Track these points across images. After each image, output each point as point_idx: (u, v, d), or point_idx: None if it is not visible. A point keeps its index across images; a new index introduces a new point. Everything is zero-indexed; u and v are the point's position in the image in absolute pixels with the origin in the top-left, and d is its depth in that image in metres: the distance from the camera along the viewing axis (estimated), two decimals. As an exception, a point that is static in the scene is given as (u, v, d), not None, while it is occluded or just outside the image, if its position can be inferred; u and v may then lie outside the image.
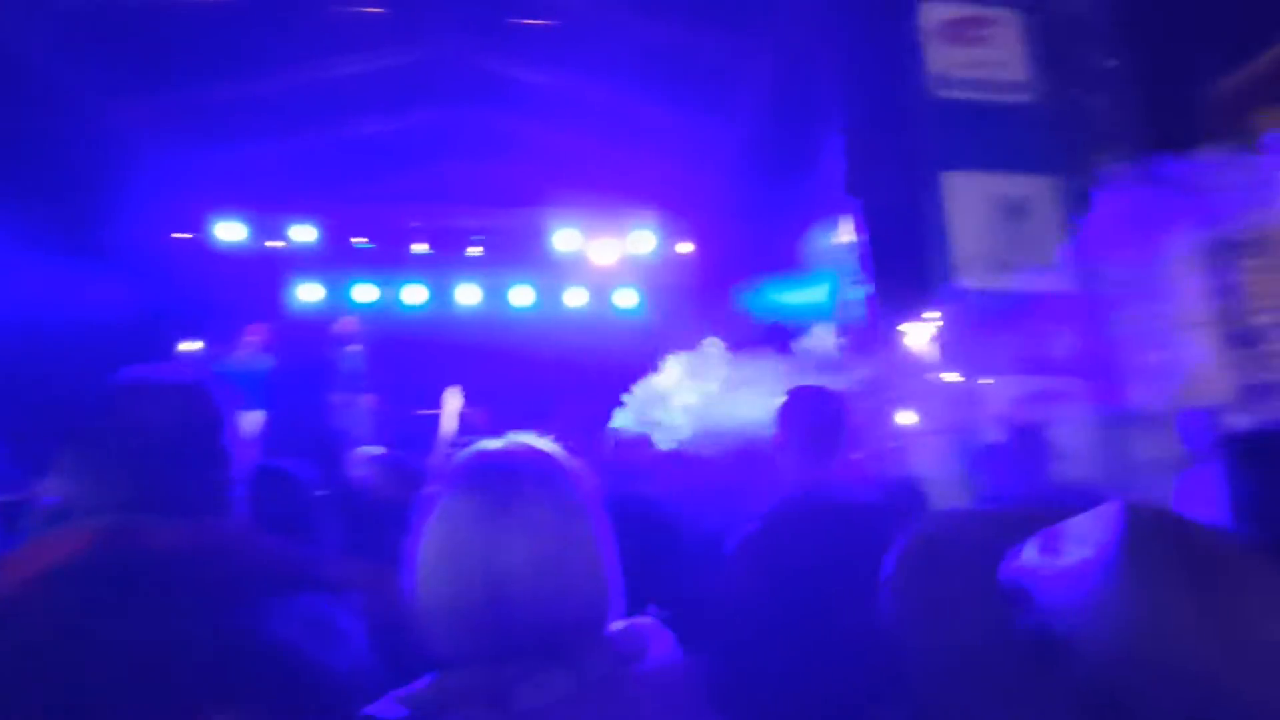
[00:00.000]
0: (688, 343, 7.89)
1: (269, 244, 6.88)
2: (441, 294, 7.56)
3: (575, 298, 7.87)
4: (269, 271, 7.06)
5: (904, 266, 4.70)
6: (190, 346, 5.16)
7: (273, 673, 0.64)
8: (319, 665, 0.67)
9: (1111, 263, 4.13)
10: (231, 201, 6.66)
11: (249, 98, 6.29)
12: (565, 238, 7.30)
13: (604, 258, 7.48)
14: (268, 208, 6.76)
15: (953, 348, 5.40)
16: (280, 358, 5.14)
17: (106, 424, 0.76)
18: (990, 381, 4.39)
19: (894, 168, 4.50)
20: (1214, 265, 3.79)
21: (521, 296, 7.71)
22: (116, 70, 5.50)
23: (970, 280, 4.43)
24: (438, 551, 0.70)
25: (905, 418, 6.08)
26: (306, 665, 0.66)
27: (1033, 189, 4.33)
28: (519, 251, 7.46)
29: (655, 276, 7.84)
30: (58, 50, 5.16)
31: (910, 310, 5.26)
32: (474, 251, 7.42)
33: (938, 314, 5.37)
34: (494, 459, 0.75)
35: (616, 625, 0.74)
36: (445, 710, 0.63)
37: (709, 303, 7.98)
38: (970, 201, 4.36)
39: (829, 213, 6.09)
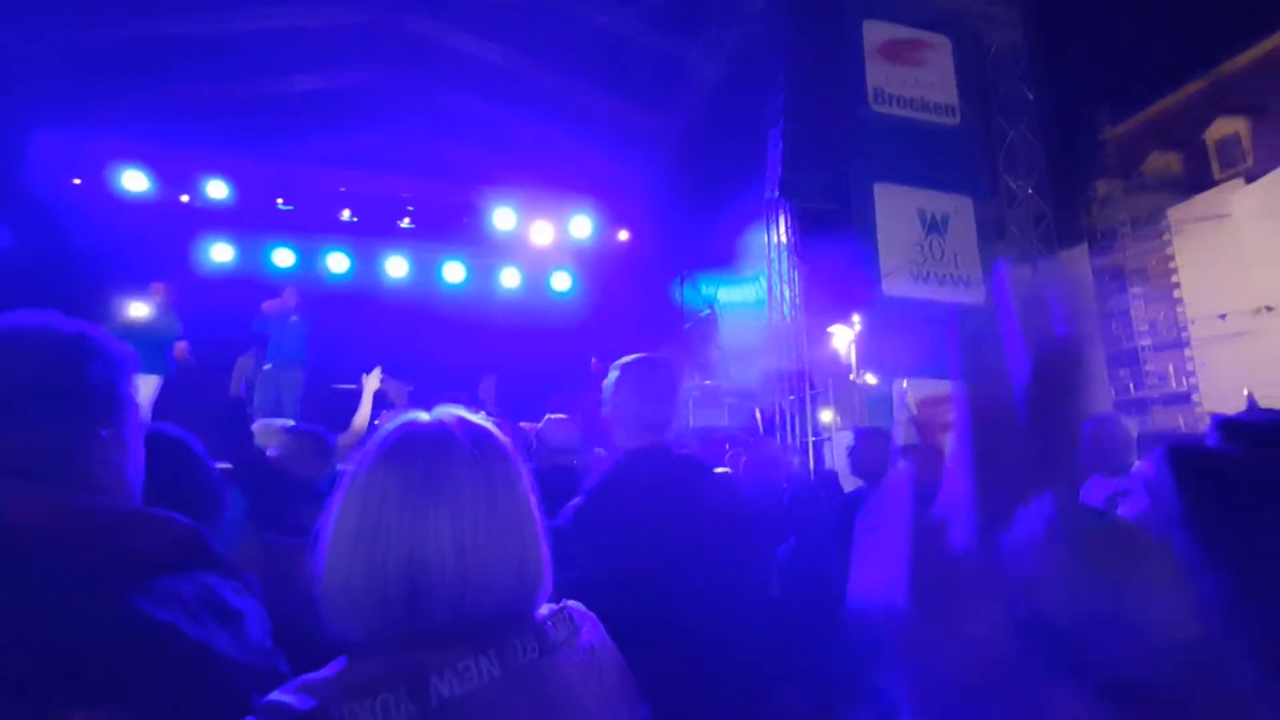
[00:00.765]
0: (619, 327, 7.92)
1: (181, 198, 6.39)
2: (367, 264, 7.26)
3: (510, 278, 7.73)
4: (178, 227, 6.56)
5: (832, 269, 4.88)
6: (88, 300, 4.72)
7: (147, 659, 0.57)
8: (203, 649, 0.60)
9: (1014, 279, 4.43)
10: (140, 151, 6.14)
11: (169, 40, 5.80)
12: (502, 216, 7.15)
13: (541, 239, 7.37)
14: (179, 160, 6.27)
15: (873, 350, 5.65)
16: (187, 318, 4.81)
17: None
18: (904, 383, 4.63)
19: (828, 174, 4.66)
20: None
21: (453, 273, 7.51)
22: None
23: (895, 287, 4.66)
24: (354, 529, 0.64)
25: (825, 414, 6.33)
26: (188, 649, 0.59)
27: (953, 206, 4.58)
28: (453, 227, 7.25)
29: (591, 262, 7.80)
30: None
31: (835, 312, 5.48)
32: (405, 224, 7.16)
33: (859, 317, 5.61)
34: (421, 431, 0.70)
35: (545, 609, 0.71)
36: (356, 698, 0.58)
37: (642, 291, 8.02)
38: (897, 213, 4.56)
39: (764, 212, 6.23)
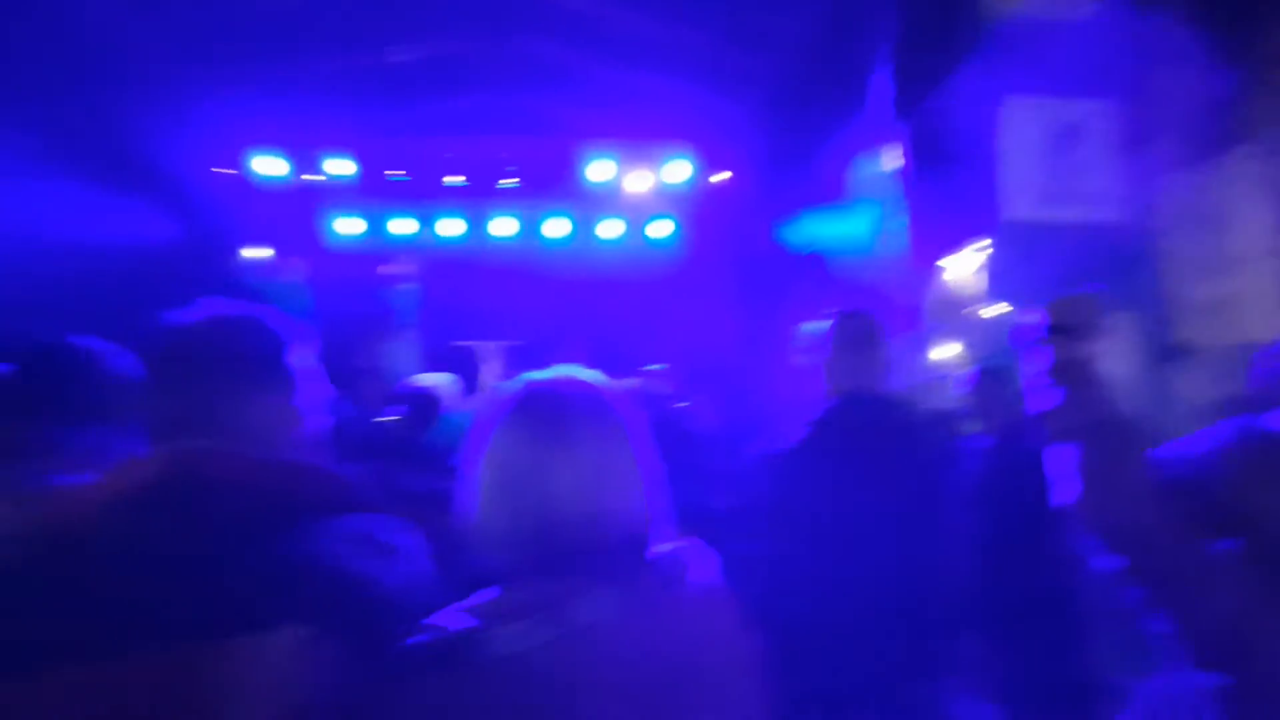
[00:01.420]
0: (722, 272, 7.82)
1: (306, 178, 6.93)
2: (478, 226, 7.58)
3: (610, 229, 7.80)
4: (307, 205, 7.16)
5: (951, 195, 4.50)
6: (236, 278, 5.33)
7: (322, 588, 0.68)
8: (368, 579, 0.71)
9: (1168, 193, 3.89)
10: (269, 136, 6.69)
11: (281, 26, 6.20)
12: (600, 168, 7.18)
13: (638, 187, 7.34)
14: (305, 142, 6.77)
15: (997, 280, 5.22)
16: (322, 291, 5.29)
17: (171, 353, 0.81)
18: (1035, 314, 4.25)
19: (945, 91, 4.24)
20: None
21: (556, 228, 7.69)
22: (152, 9, 5.47)
23: (1020, 210, 4.24)
24: (491, 476, 0.75)
25: (946, 351, 5.97)
26: (354, 580, 0.70)
27: (1088, 113, 4.05)
28: (554, 183, 7.38)
29: (691, 207, 7.69)
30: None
31: (956, 241, 5.08)
32: (508, 183, 7.36)
33: (984, 245, 5.17)
34: (541, 388, 0.79)
35: (662, 548, 0.78)
36: (508, 620, 0.67)
37: (747, 233, 7.83)
38: (1022, 126, 4.11)
39: (873, 140, 5.83)
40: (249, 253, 6.71)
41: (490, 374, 3.51)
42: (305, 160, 6.84)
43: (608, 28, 6.63)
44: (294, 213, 7.06)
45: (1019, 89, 4.02)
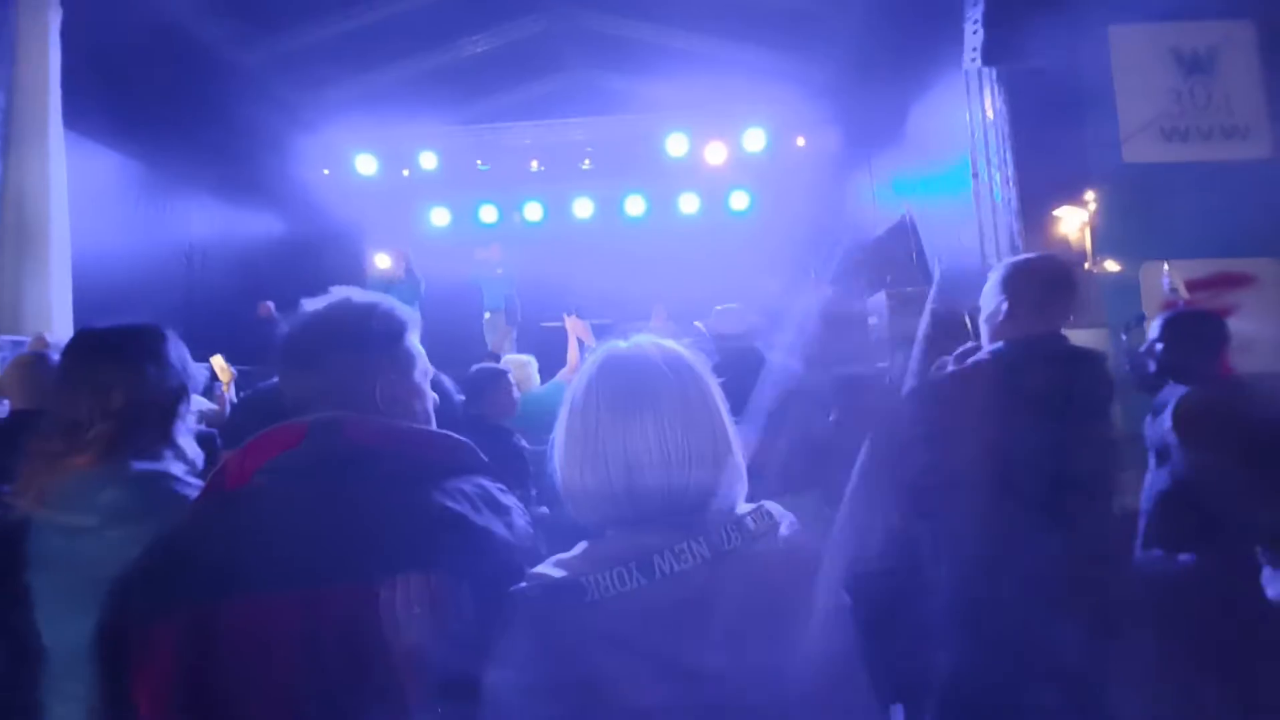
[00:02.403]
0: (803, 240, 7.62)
1: (402, 173, 7.32)
2: (559, 209, 7.75)
3: (688, 203, 7.77)
4: (405, 198, 7.58)
5: (1057, 141, 4.15)
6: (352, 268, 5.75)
7: (449, 539, 0.78)
8: (485, 532, 0.80)
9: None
10: (366, 138, 7.10)
11: (365, 31, 6.55)
12: (675, 142, 7.13)
13: (715, 159, 7.24)
14: (396, 139, 7.14)
15: (1114, 231, 4.78)
16: (421, 279, 5.60)
17: (308, 333, 0.91)
18: (1164, 266, 3.88)
19: (1043, 26, 3.88)
20: None
21: (635, 206, 7.74)
22: (250, 24, 5.94)
23: (1140, 152, 3.87)
24: (580, 437, 0.79)
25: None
26: (475, 532, 0.79)
27: (1223, 35, 3.59)
28: (630, 160, 7.40)
29: (769, 175, 7.51)
30: (212, 17, 5.64)
31: (1063, 192, 4.69)
32: (585, 165, 7.46)
33: (1096, 195, 4.75)
34: (622, 354, 0.83)
35: (746, 507, 0.81)
36: (597, 570, 0.72)
37: (828, 199, 7.57)
38: (1140, 58, 3.72)
39: (963, 86, 5.45)
40: (359, 245, 7.29)
41: (576, 350, 3.66)
42: (398, 158, 7.22)
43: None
44: (392, 206, 7.53)
45: (1129, 16, 3.63)
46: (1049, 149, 4.17)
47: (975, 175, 5.51)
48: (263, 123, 6.38)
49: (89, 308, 3.86)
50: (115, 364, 1.17)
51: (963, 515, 1.29)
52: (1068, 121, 4.07)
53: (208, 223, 6.29)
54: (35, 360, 2.24)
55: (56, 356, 2.17)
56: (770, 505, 0.82)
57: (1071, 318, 1.42)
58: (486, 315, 5.87)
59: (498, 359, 3.46)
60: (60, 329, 4.18)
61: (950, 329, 5.34)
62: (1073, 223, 5.54)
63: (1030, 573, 1.20)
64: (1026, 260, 1.55)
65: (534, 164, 7.40)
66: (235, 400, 3.41)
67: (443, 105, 7.28)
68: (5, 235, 4.68)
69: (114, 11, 4.93)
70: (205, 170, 5.92)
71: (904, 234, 6.92)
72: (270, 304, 5.30)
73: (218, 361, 3.48)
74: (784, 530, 0.80)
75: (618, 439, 0.77)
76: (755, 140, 7.12)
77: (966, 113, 5.37)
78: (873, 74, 6.28)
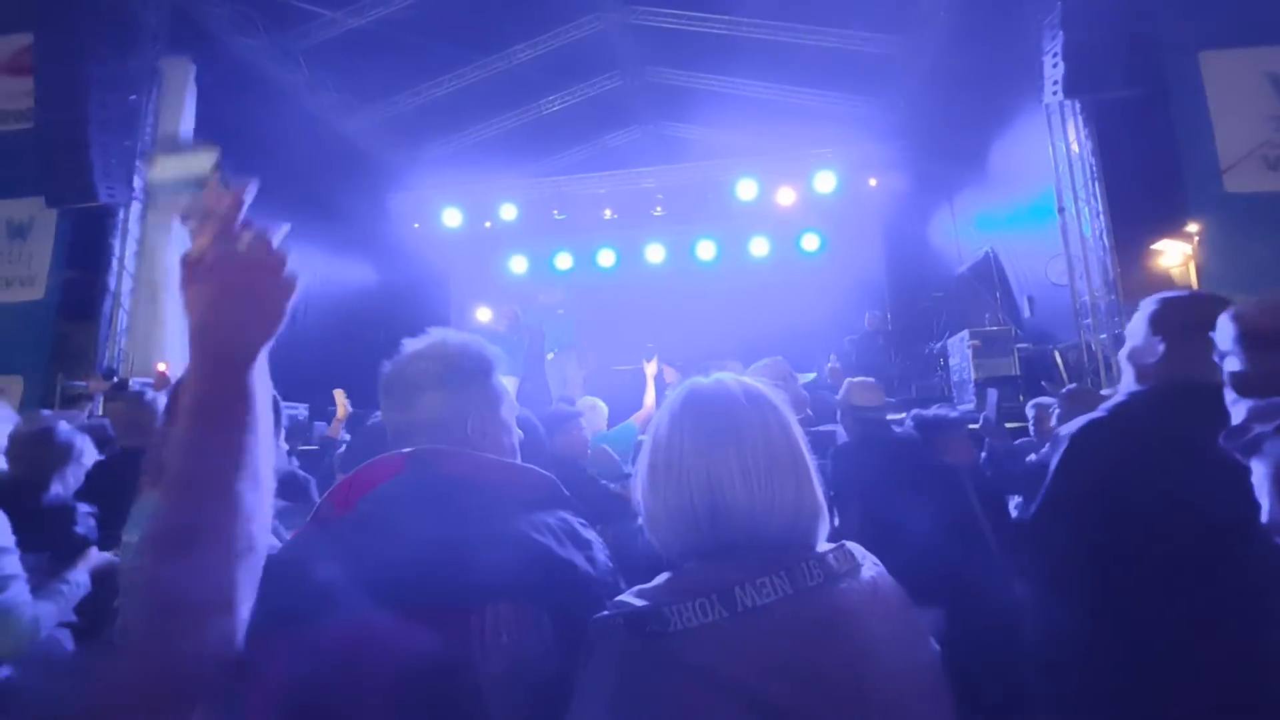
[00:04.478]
0: (879, 281, 7.45)
1: (485, 225, 7.75)
2: (631, 255, 7.95)
3: (759, 246, 7.80)
4: (486, 247, 8.01)
5: (1150, 172, 3.95)
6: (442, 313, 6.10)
7: (536, 570, 0.79)
8: (569, 564, 0.81)
9: None
10: (452, 191, 7.58)
11: (453, 97, 7.09)
12: (745, 187, 7.21)
13: (785, 202, 7.26)
14: (479, 194, 7.58)
15: (1219, 264, 4.44)
16: (525, 333, 5.83)
17: (406, 371, 0.96)
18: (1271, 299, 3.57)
19: (1126, 57, 3.73)
20: None
21: (706, 250, 7.84)
22: (352, 95, 6.57)
23: (1242, 182, 3.62)
24: (664, 468, 0.80)
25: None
26: (559, 564, 0.80)
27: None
28: (700, 206, 7.53)
29: (841, 216, 7.46)
30: (320, 90, 6.29)
31: (1160, 225, 4.41)
32: (657, 212, 7.64)
33: (1195, 226, 4.44)
34: (705, 388, 0.84)
35: (827, 545, 0.79)
36: (679, 600, 0.71)
37: (903, 239, 7.41)
38: (1236, 84, 3.53)
39: (1045, 120, 5.28)
40: (445, 291, 7.77)
41: (653, 393, 3.71)
42: (481, 209, 7.65)
43: (746, 46, 6.70)
44: (475, 255, 7.97)
45: (1220, 41, 3.44)
46: (1142, 180, 3.96)
47: (1061, 210, 5.29)
48: (361, 182, 6.99)
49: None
50: None
51: (1132, 573, 1.19)
52: (1160, 152, 3.87)
53: (312, 274, 6.91)
54: (135, 399, 2.39)
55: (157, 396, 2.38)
56: (852, 546, 0.81)
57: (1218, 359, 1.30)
58: (549, 356, 5.99)
59: (571, 402, 3.55)
60: (174, 369, 4.63)
61: (1041, 368, 5.08)
62: (1173, 256, 5.20)
63: (1208, 638, 1.09)
64: (1183, 297, 1.44)
65: (607, 212, 7.64)
66: (346, 433, 3.65)
67: (522, 159, 7.72)
68: (140, 290, 5.28)
69: (235, 89, 5.59)
70: (310, 227, 6.53)
71: (988, 272, 6.68)
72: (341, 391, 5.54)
73: (339, 395, 3.73)
74: (867, 571, 0.78)
75: (702, 470, 0.78)
76: (826, 182, 7.11)
77: (1049, 147, 5.21)
78: (948, 113, 6.19)
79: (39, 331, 5.00)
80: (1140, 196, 4.10)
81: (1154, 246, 4.59)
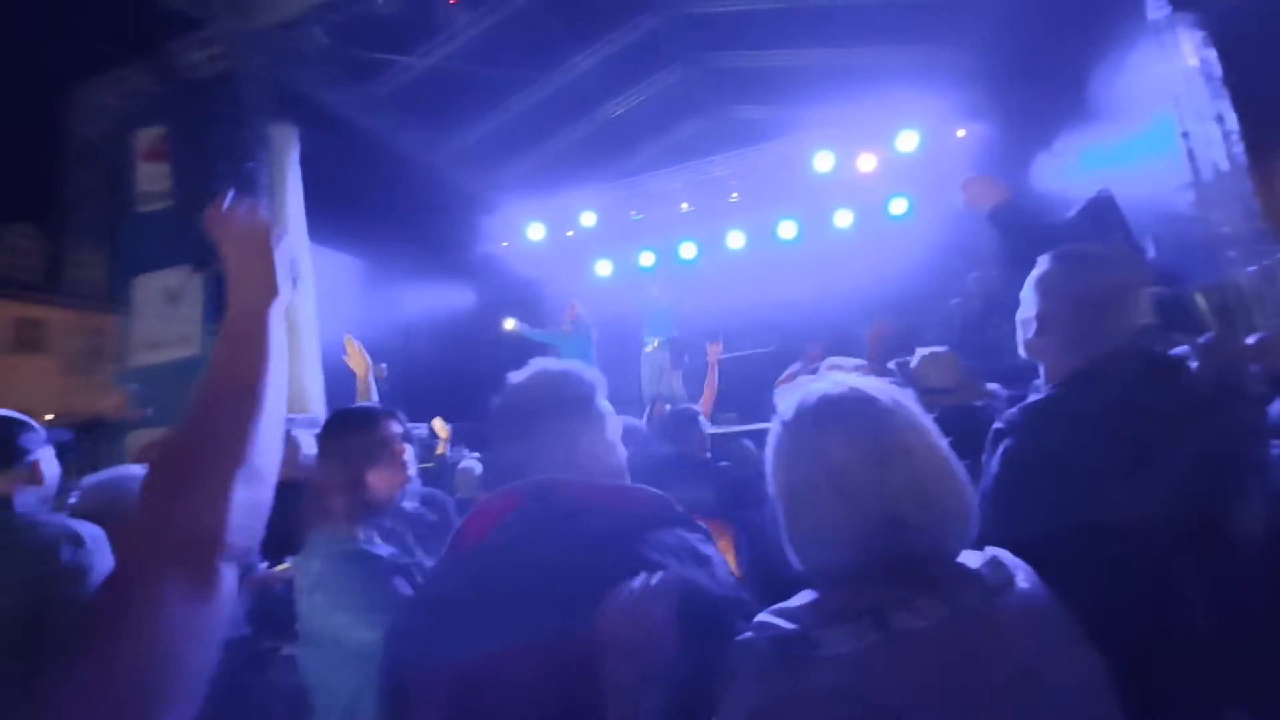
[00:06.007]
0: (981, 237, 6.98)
1: (567, 234, 7.98)
2: (712, 244, 7.91)
3: (842, 219, 7.54)
4: (571, 255, 8.25)
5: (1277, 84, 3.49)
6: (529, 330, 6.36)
7: None
8: (690, 582, 0.82)
9: None
10: (533, 206, 7.86)
11: (519, 117, 7.36)
12: (821, 159, 6.96)
13: (867, 168, 6.93)
14: (558, 205, 7.81)
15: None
16: (592, 327, 5.96)
17: (514, 405, 1.02)
18: None
19: None
20: None
21: (786, 230, 7.67)
22: (427, 129, 6.96)
23: None
24: (808, 486, 0.75)
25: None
26: (686, 586, 0.79)
27: None
28: (777, 186, 7.37)
29: (929, 175, 7.05)
30: (402, 129, 6.73)
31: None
32: (734, 198, 7.56)
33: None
34: (837, 398, 0.78)
35: (975, 556, 0.75)
36: (830, 624, 0.67)
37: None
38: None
39: (1154, 36, 4.75)
40: (538, 304, 8.14)
41: (715, 378, 3.86)
42: (562, 219, 7.88)
43: (801, 12, 6.47)
44: (562, 264, 8.25)
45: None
46: (1276, 92, 3.49)
47: (1184, 135, 4.75)
48: (450, 210, 7.43)
49: (336, 386, 4.66)
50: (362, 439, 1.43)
51: None
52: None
53: (416, 302, 7.43)
54: (284, 438, 2.69)
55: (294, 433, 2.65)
56: (1001, 553, 0.76)
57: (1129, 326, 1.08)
58: (652, 345, 6.01)
59: (667, 401, 3.64)
60: (314, 406, 5.10)
61: (1177, 315, 4.60)
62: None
63: None
64: (1062, 256, 1.22)
65: (684, 205, 7.64)
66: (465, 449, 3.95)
67: (596, 166, 7.89)
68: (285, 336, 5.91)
69: (329, 139, 6.08)
70: (410, 258, 7.04)
71: (1103, 213, 6.05)
72: (384, 366, 5.42)
73: (437, 423, 4.01)
74: (1021, 583, 0.73)
75: (872, 482, 0.73)
76: (908, 141, 6.73)
77: (1161, 68, 4.68)
78: (1035, 46, 5.69)
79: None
80: (1275, 110, 3.63)
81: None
